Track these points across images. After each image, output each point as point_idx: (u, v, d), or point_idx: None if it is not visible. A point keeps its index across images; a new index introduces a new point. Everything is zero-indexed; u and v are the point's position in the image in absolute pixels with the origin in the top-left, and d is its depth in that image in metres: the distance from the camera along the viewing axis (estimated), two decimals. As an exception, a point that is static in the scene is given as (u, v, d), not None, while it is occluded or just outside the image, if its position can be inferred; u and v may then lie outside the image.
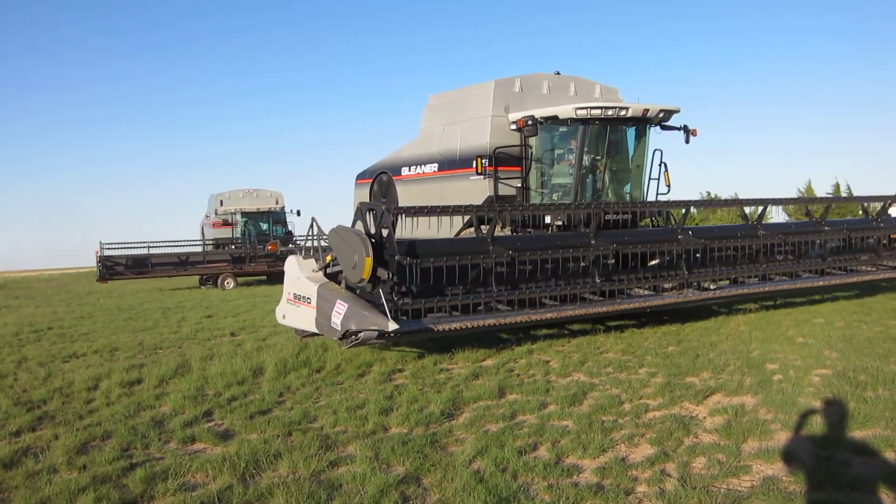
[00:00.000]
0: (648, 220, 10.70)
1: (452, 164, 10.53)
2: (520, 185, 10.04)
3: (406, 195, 11.36)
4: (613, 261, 8.20)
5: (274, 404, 6.07)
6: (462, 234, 9.77)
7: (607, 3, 66.59)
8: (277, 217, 26.43)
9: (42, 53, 71.60)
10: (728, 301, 9.76)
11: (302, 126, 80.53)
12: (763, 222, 9.65)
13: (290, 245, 21.80)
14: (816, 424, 4.88)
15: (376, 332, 6.38)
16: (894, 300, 10.52)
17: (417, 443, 4.79)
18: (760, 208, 9.70)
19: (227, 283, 21.71)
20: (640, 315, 9.24)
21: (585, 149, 9.53)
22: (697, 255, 8.96)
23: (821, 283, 9.87)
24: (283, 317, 7.92)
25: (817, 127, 57.12)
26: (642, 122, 9.87)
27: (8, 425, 5.63)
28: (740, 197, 17.01)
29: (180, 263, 22.10)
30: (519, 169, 10.03)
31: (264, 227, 26.01)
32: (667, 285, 8.76)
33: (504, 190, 10.01)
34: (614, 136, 9.85)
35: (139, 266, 21.54)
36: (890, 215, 11.03)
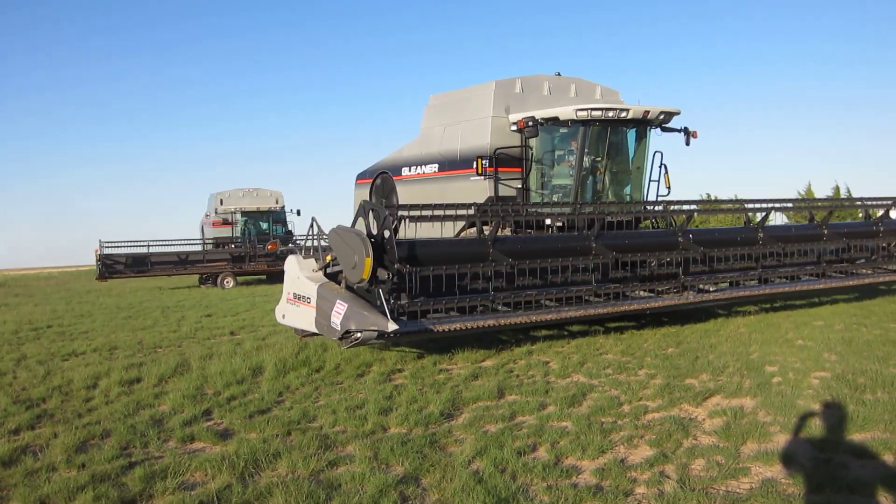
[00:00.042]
0: (649, 221, 10.69)
1: (453, 164, 10.54)
2: (520, 185, 10.05)
3: (406, 195, 11.36)
4: (613, 261, 8.21)
5: (273, 404, 6.07)
6: (463, 234, 9.77)
7: (608, 5, 66.66)
8: (277, 216, 26.45)
9: (42, 53, 71.65)
10: (728, 303, 9.77)
11: (302, 126, 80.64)
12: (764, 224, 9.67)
13: (290, 244, 21.81)
14: (815, 427, 4.88)
15: (376, 333, 6.38)
16: (894, 303, 10.53)
17: (416, 443, 4.79)
18: (761, 214, 9.71)
19: (227, 282, 21.72)
20: (639, 317, 9.25)
21: (586, 150, 9.54)
22: (697, 258, 8.97)
23: (820, 286, 9.87)
24: (283, 316, 7.93)
25: (817, 129, 57.19)
26: (643, 124, 9.89)
27: (7, 423, 5.62)
28: (739, 198, 17.00)
29: (180, 262, 22.11)
30: (519, 170, 10.04)
31: (264, 226, 26.03)
32: (666, 287, 8.76)
33: (504, 191, 10.03)
34: (615, 137, 9.87)
35: (139, 265, 21.55)
36: (891, 218, 11.04)
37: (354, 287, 6.83)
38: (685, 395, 5.80)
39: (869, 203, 11.24)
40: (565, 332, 8.95)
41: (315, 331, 7.26)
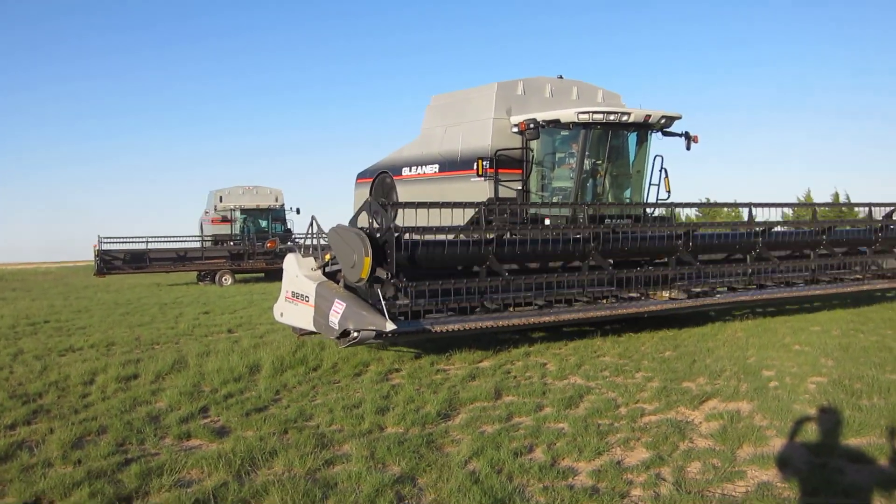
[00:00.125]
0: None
1: (453, 165, 10.54)
2: (520, 187, 10.05)
3: (406, 195, 11.35)
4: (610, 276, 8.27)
5: (270, 402, 6.06)
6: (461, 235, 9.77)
7: (610, 8, 66.68)
8: (277, 214, 26.42)
9: (42, 50, 71.54)
10: (725, 308, 9.78)
11: (303, 124, 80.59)
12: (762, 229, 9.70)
13: (290, 243, 21.79)
14: (811, 431, 4.89)
15: (374, 332, 6.38)
16: (891, 310, 10.55)
17: (413, 443, 4.79)
18: (759, 216, 9.74)
19: (225, 279, 21.69)
20: (637, 320, 9.26)
21: (587, 153, 9.54)
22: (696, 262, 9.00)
23: (818, 292, 9.89)
24: (281, 314, 7.92)
25: (817, 135, 57.28)
26: (644, 128, 9.89)
27: (3, 418, 5.61)
28: (735, 202, 17.02)
29: (178, 259, 22.08)
30: (520, 172, 10.04)
31: (263, 224, 26.00)
32: (665, 291, 8.77)
33: (504, 192, 10.02)
34: (616, 141, 9.87)
35: (137, 261, 21.53)
36: (890, 224, 11.05)
37: (353, 286, 6.83)
38: (682, 398, 5.81)
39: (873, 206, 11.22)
40: (563, 334, 8.96)
41: (313, 329, 7.26)
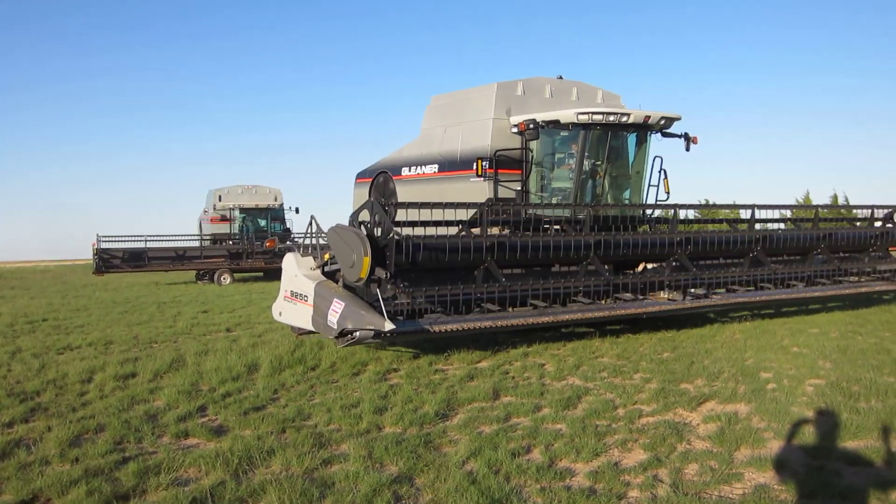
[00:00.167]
0: (647, 226, 10.70)
1: (453, 165, 10.54)
2: (519, 188, 10.05)
3: (406, 195, 11.35)
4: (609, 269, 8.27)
5: (268, 401, 6.06)
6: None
7: (611, 9, 66.74)
8: (276, 214, 26.42)
9: (40, 48, 71.50)
10: (724, 309, 9.79)
11: (302, 124, 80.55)
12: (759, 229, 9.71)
13: (289, 242, 21.78)
14: (809, 434, 4.90)
15: (372, 332, 6.38)
16: (889, 312, 10.56)
17: (411, 443, 4.79)
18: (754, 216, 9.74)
19: (224, 278, 21.67)
20: (635, 321, 9.27)
21: (586, 154, 9.55)
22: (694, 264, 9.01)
23: (816, 294, 9.90)
24: (280, 314, 7.92)
25: (817, 137, 57.36)
26: (643, 129, 9.89)
27: (1, 416, 5.61)
28: (736, 204, 17.06)
29: (177, 258, 22.05)
30: (519, 172, 10.03)
31: (262, 223, 25.99)
32: (663, 293, 8.79)
33: (504, 192, 10.02)
34: (615, 141, 9.87)
35: (136, 259, 21.49)
36: (888, 227, 11.07)
37: (352, 286, 6.83)
38: (680, 399, 5.81)
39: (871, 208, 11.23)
40: (561, 335, 8.97)
41: (311, 329, 7.26)
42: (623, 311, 8.30)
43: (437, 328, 6.95)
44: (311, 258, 7.57)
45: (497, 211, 8.48)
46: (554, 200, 9.93)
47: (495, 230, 8.35)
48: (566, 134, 9.71)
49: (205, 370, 7.16)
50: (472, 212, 8.25)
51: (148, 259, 21.56)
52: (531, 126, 9.38)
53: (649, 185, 10.25)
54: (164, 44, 73.62)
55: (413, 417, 5.40)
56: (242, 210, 25.68)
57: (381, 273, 6.72)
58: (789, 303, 10.34)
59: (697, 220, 9.84)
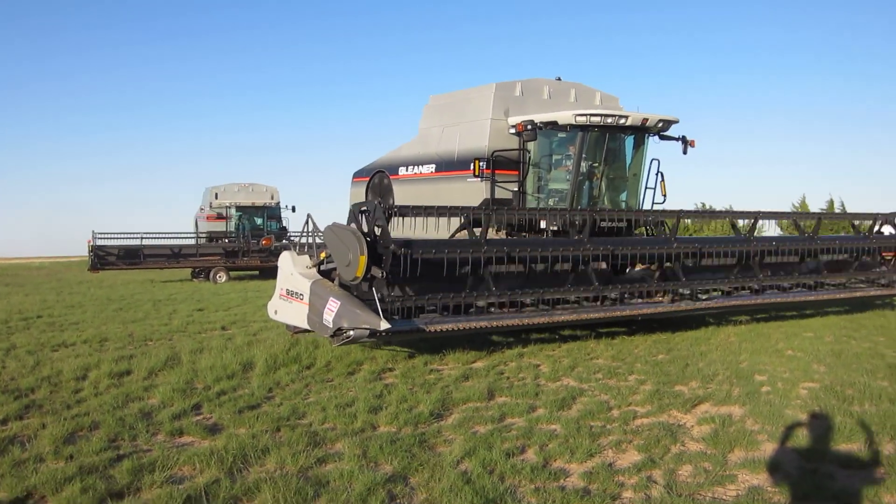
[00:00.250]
0: (643, 228, 10.73)
1: (450, 165, 10.54)
2: (516, 189, 10.06)
3: (403, 195, 11.35)
4: (606, 266, 8.27)
5: (263, 399, 6.06)
6: (457, 235, 9.77)
7: (610, 10, 66.78)
8: (272, 212, 26.39)
9: (38, 45, 71.22)
10: (719, 312, 9.80)
11: (299, 123, 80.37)
12: (756, 235, 9.71)
13: (285, 241, 21.76)
14: (803, 437, 4.91)
15: (368, 331, 6.38)
16: (883, 317, 10.60)
17: (406, 442, 4.80)
18: (753, 221, 9.74)
19: (220, 276, 21.63)
20: (631, 323, 9.28)
21: (583, 155, 9.56)
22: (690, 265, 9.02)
23: (811, 298, 9.93)
24: (275, 312, 7.92)
25: (813, 142, 57.56)
26: (641, 131, 9.91)
27: (-6, 412, 5.60)
28: (733, 208, 17.11)
29: (173, 255, 21.97)
30: (516, 173, 10.04)
31: (259, 221, 25.96)
32: (659, 295, 8.81)
33: (501, 193, 10.02)
34: (613, 143, 9.89)
35: (131, 257, 21.43)
36: (882, 233, 11.11)
37: (348, 285, 6.83)
38: (674, 401, 5.83)
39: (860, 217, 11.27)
40: (556, 336, 8.98)
41: (307, 327, 7.25)
42: (619, 312, 8.31)
43: (432, 328, 6.95)
44: (307, 257, 7.56)
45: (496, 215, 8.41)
46: (551, 202, 9.95)
47: (492, 231, 8.36)
48: (564, 135, 9.73)
49: (200, 368, 7.15)
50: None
51: (143, 256, 21.51)
52: (529, 127, 9.39)
53: (646, 188, 10.28)
54: (161, 42, 73.43)
55: (408, 417, 5.41)
56: (239, 208, 25.64)
57: (377, 272, 6.71)
58: (786, 307, 10.37)
59: (699, 240, 9.71)
